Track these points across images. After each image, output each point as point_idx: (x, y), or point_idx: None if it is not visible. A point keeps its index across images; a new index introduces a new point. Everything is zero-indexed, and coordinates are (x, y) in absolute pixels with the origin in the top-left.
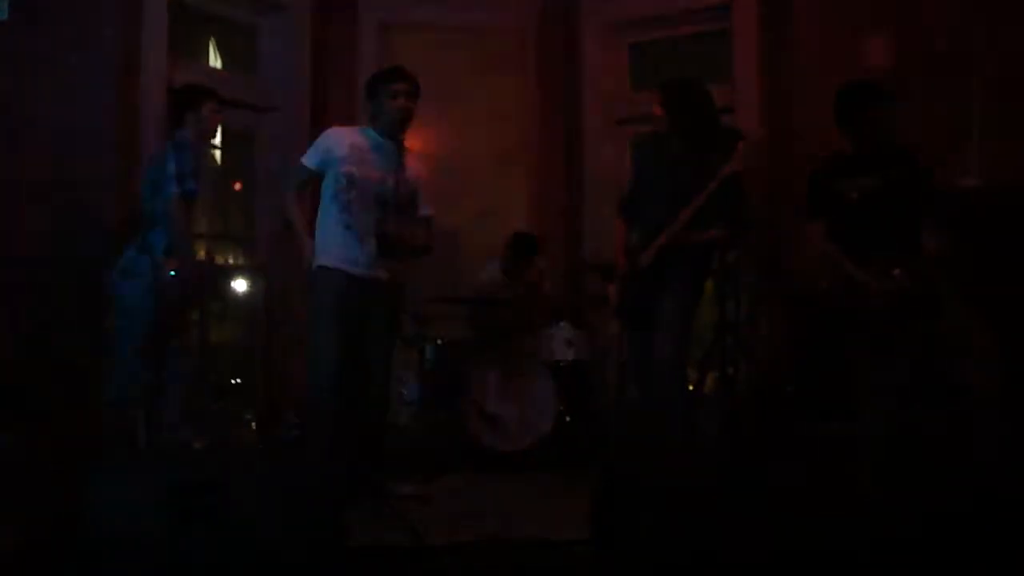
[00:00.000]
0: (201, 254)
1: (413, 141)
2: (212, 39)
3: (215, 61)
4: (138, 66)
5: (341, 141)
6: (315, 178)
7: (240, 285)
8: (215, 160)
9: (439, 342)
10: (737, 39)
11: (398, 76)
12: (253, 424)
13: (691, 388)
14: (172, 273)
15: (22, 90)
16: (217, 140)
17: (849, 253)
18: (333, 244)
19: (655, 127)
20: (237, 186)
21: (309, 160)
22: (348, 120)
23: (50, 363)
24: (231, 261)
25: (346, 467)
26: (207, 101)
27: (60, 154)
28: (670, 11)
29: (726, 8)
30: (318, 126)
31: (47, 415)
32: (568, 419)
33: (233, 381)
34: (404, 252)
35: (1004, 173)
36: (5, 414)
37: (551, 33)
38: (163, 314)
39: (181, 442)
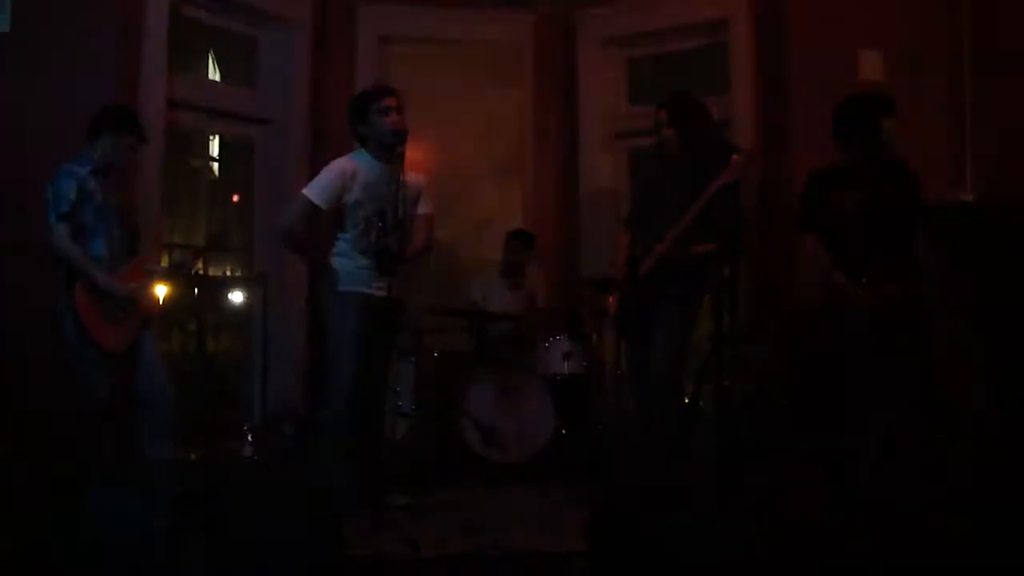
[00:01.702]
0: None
1: (413, 153)
2: (211, 52)
3: (214, 74)
4: (138, 78)
5: (353, 181)
6: (322, 212)
7: (237, 296)
8: (214, 173)
9: (435, 354)
10: (734, 53)
11: (385, 91)
12: (249, 435)
13: (687, 401)
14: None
15: (23, 101)
16: (215, 152)
17: (843, 266)
18: (356, 273)
19: (664, 143)
20: (235, 198)
21: (319, 199)
22: (346, 132)
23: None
24: (228, 272)
25: (348, 480)
26: (127, 136)
27: (59, 166)
28: (667, 25)
29: (723, 23)
30: (317, 139)
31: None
32: (565, 432)
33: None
34: (405, 260)
35: (998, 187)
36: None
37: (549, 47)
38: (88, 338)
39: (158, 457)
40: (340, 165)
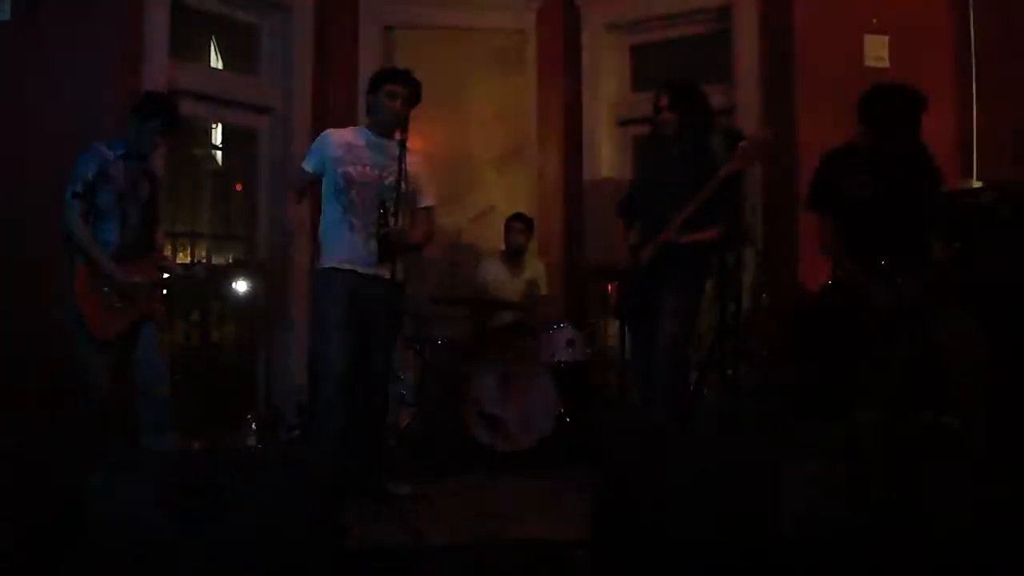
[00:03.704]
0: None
1: (414, 141)
2: (213, 39)
3: (216, 61)
4: (139, 66)
5: (336, 142)
6: (316, 180)
7: (240, 285)
8: (216, 161)
9: (439, 342)
10: (738, 40)
11: (398, 78)
12: (253, 424)
13: (691, 387)
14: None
15: (23, 90)
16: (217, 140)
17: (857, 253)
18: (337, 245)
19: (662, 128)
20: (238, 186)
21: (307, 163)
22: (349, 121)
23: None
24: (231, 261)
25: (347, 467)
26: (152, 121)
27: (61, 154)
28: (671, 12)
29: (727, 9)
30: (319, 127)
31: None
32: (568, 420)
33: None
34: (406, 249)
35: (1006, 173)
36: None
37: (552, 33)
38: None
39: (160, 448)
40: (325, 132)
